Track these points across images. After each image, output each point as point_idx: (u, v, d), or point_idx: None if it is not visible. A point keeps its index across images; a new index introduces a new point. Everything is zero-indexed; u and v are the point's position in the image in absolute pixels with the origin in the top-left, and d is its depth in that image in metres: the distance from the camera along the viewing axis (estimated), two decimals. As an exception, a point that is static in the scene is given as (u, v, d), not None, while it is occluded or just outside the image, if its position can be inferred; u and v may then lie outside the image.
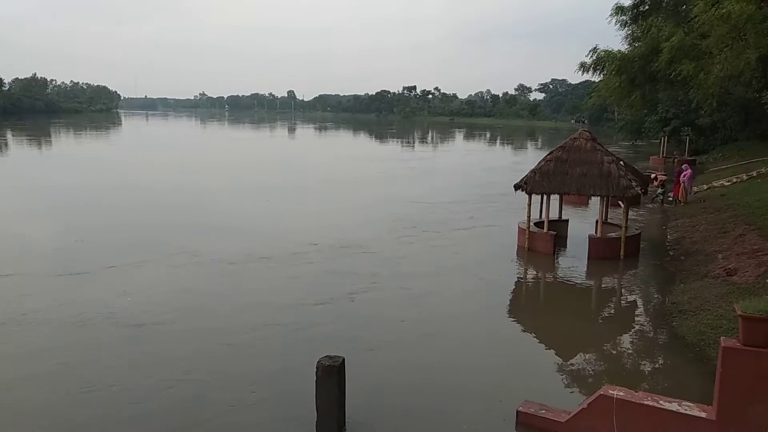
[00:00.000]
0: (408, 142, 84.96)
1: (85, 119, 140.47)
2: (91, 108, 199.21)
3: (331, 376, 7.77)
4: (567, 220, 21.04)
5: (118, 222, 21.93)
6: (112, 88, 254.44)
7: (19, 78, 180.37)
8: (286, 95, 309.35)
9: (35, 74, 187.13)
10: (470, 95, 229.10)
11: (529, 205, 18.52)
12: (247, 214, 24.04)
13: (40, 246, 18.28)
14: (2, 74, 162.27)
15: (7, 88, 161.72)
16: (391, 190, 31.99)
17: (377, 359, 10.54)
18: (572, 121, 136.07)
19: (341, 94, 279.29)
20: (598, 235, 18.52)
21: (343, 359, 7.92)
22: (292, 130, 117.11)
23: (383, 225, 21.95)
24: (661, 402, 7.55)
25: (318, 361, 7.83)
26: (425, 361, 10.55)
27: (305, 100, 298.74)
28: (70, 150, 61.97)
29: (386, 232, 20.85)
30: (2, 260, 16.28)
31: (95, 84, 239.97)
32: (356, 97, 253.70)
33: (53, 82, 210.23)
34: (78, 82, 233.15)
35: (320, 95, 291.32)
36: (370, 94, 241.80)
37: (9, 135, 78.90)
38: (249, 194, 29.48)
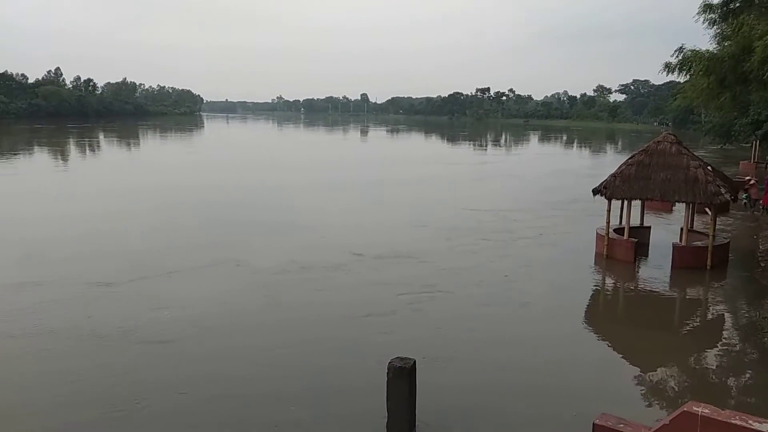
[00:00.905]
0: (480, 145, 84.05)
1: (170, 121, 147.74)
2: (175, 111, 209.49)
3: (403, 377, 7.80)
4: (649, 227, 20.17)
5: (190, 223, 23.04)
6: (195, 92, 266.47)
7: (111, 82, 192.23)
8: (359, 98, 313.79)
9: (125, 79, 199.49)
10: (546, 97, 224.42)
11: (609, 210, 17.86)
12: (312, 212, 24.76)
13: (94, 251, 18.05)
14: (96, 79, 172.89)
15: (100, 92, 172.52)
16: (459, 194, 31.74)
17: (449, 367, 10.45)
18: (655, 124, 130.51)
19: (413, 97, 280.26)
20: (683, 243, 17.62)
21: (415, 361, 7.93)
22: (364, 132, 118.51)
23: (447, 232, 21.79)
24: (750, 422, 7.08)
25: (389, 363, 7.88)
26: (497, 370, 10.40)
27: (378, 102, 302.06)
28: (155, 151, 65.26)
29: (451, 239, 20.66)
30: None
31: (180, 88, 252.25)
32: (428, 100, 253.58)
33: (141, 86, 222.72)
34: (164, 86, 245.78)
35: (393, 98, 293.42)
36: (442, 96, 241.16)
37: (101, 136, 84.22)
38: (313, 192, 30.27)
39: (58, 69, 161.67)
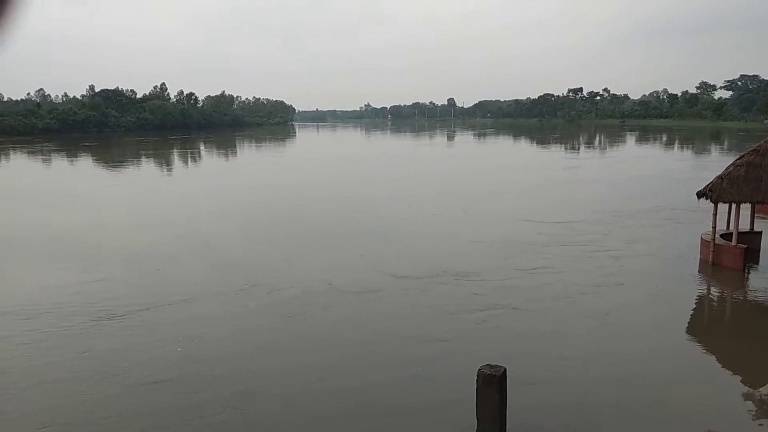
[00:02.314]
0: (572, 148, 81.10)
1: (264, 132, 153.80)
2: (270, 121, 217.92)
3: (492, 385, 7.70)
4: (760, 232, 18.72)
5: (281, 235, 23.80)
6: (288, 102, 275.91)
7: (211, 95, 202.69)
8: (446, 103, 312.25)
9: (224, 92, 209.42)
10: (644, 95, 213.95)
11: (715, 215, 16.73)
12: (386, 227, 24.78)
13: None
14: (198, 92, 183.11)
15: (201, 105, 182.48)
16: (549, 202, 30.87)
17: (546, 376, 10.21)
18: (766, 122, 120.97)
19: (501, 100, 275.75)
20: (800, 250, 16.24)
21: (505, 369, 7.81)
22: (450, 137, 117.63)
23: (533, 237, 21.27)
24: None
25: (479, 370, 7.81)
26: (595, 381, 10.08)
27: (465, 107, 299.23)
28: (249, 163, 68.06)
29: (538, 246, 20.16)
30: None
31: (274, 99, 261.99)
32: (517, 102, 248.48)
33: (238, 98, 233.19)
34: (259, 98, 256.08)
35: (480, 101, 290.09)
36: (531, 98, 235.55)
37: (201, 146, 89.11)
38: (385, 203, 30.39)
39: (163, 84, 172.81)
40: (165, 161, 62.84)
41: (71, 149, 76.95)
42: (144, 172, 51.36)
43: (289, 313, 13.47)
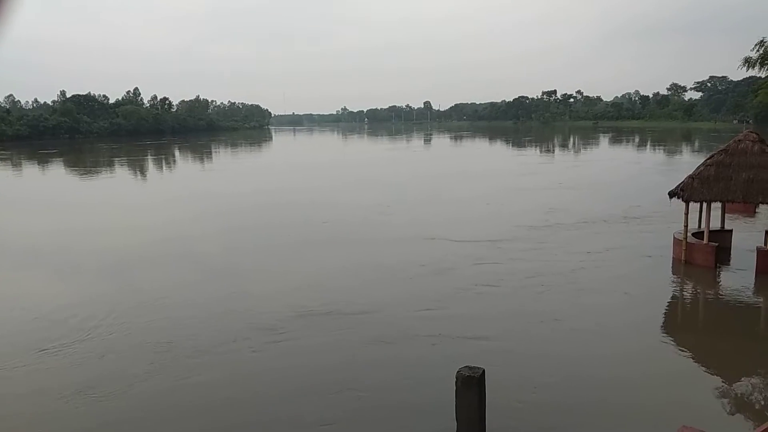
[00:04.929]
0: (551, 150, 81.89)
1: (240, 136, 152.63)
2: (245, 125, 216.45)
3: (471, 387, 7.72)
4: (731, 231, 19.13)
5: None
6: (263, 106, 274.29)
7: (185, 100, 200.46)
8: (422, 106, 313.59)
9: (198, 96, 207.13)
10: (616, 97, 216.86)
11: (686, 214, 17.03)
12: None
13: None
14: (171, 97, 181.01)
15: (175, 110, 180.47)
16: (528, 205, 31.17)
17: (521, 376, 10.29)
18: (735, 122, 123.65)
19: (477, 102, 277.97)
20: (769, 247, 16.63)
21: (483, 371, 7.84)
22: (427, 141, 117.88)
23: (511, 233, 21.42)
24: None
25: (458, 372, 7.82)
26: (573, 381, 10.13)
27: (441, 109, 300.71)
28: (224, 172, 67.40)
29: (516, 247, 20.33)
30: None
31: (249, 103, 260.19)
32: (492, 105, 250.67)
33: (213, 103, 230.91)
34: (234, 102, 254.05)
35: (456, 104, 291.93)
36: (507, 100, 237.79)
37: (176, 152, 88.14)
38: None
39: (136, 89, 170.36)
40: (131, 169, 61.63)
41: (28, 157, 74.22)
42: (103, 183, 49.02)
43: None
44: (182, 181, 49.95)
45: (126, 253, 20.36)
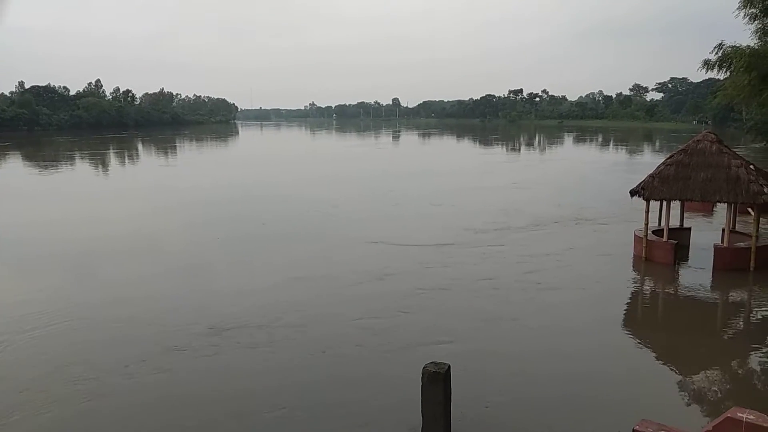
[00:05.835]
0: (514, 148, 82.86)
1: (205, 131, 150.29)
2: (211, 120, 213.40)
3: (437, 382, 7.76)
4: (689, 229, 19.68)
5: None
6: (230, 100, 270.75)
7: (149, 93, 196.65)
8: (390, 103, 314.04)
9: (162, 89, 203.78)
10: (580, 97, 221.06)
11: (647, 212, 17.44)
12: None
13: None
14: (135, 90, 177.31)
15: (138, 103, 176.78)
16: (485, 204, 31.44)
17: (486, 373, 10.36)
18: (694, 122, 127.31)
19: (445, 100, 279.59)
20: (725, 244, 17.13)
21: (449, 366, 7.89)
22: (395, 138, 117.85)
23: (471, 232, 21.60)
24: (799, 429, 6.83)
25: (424, 368, 7.86)
26: (535, 376, 10.26)
27: (409, 107, 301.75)
28: (178, 168, 66.30)
29: (480, 244, 20.52)
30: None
31: (215, 97, 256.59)
32: (460, 103, 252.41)
33: (178, 96, 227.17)
34: (200, 96, 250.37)
35: (424, 102, 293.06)
36: (474, 98, 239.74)
37: (139, 146, 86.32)
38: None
39: (98, 81, 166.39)
40: (83, 165, 60.18)
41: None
42: (52, 178, 47.07)
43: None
44: (129, 176, 48.95)
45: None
